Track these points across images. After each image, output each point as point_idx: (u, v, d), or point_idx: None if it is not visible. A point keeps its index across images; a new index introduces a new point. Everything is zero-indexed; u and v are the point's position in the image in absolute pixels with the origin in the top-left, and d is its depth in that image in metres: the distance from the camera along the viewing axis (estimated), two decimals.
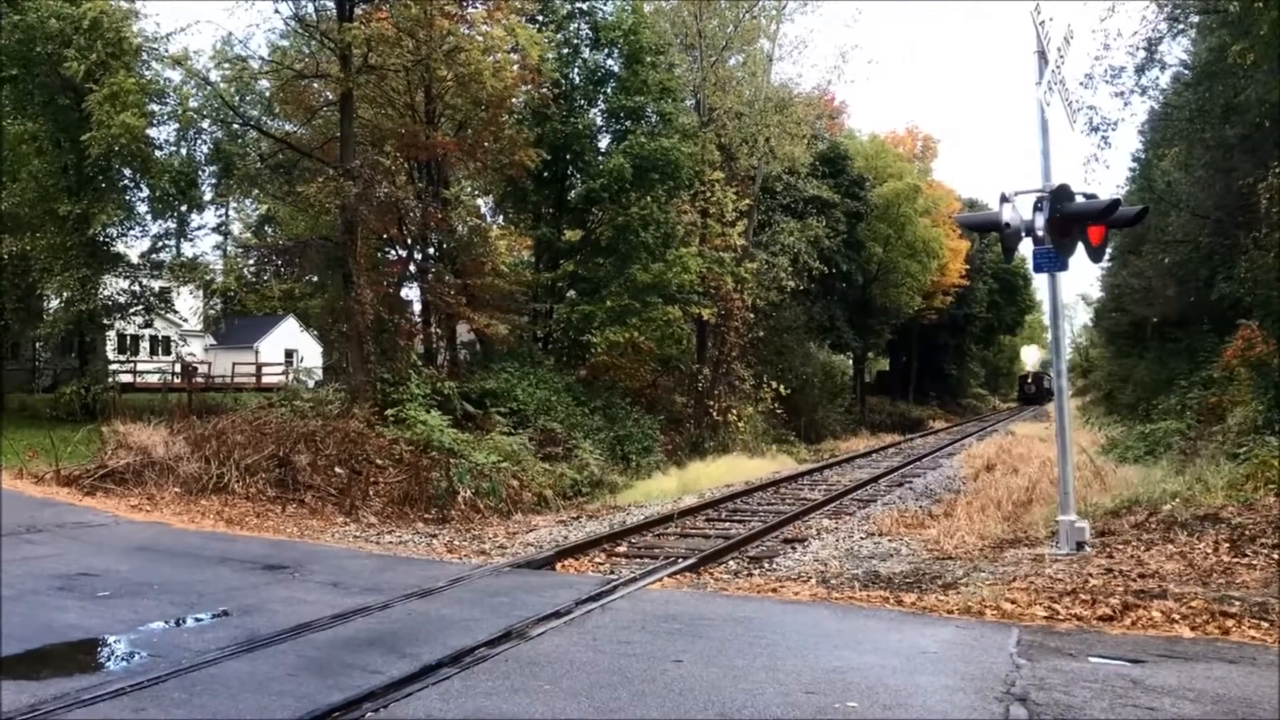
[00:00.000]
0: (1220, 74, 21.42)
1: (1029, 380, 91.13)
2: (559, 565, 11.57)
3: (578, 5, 29.24)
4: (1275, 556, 8.96)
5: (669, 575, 10.06)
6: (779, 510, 17.23)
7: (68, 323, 27.34)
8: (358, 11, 21.41)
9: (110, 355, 33.23)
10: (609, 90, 29.44)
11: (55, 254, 26.17)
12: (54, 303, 28.81)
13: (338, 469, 16.37)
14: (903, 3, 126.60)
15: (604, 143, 30.04)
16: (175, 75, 23.96)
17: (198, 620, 7.54)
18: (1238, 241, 22.85)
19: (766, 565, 11.85)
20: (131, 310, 29.79)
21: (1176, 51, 26.34)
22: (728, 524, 15.90)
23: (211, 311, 35.31)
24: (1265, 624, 6.96)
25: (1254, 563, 8.86)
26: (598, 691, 5.63)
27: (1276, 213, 18.01)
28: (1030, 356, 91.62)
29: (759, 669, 6.06)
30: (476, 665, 6.17)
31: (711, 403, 32.29)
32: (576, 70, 29.26)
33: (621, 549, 13.23)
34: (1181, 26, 23.76)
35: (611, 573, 10.88)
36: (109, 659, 6.62)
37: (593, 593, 8.42)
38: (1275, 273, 20.09)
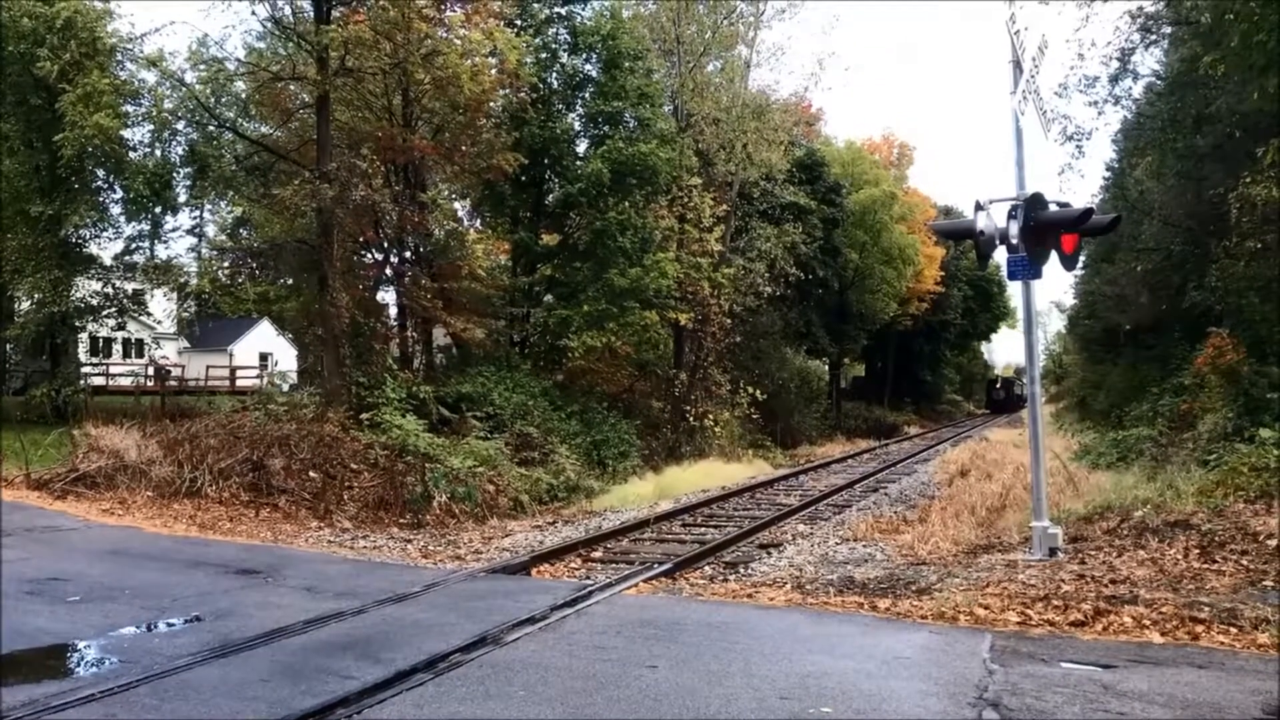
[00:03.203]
0: (1192, 84, 21.64)
1: (998, 385, 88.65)
2: (535, 570, 11.56)
3: (556, 10, 29.21)
4: (1244, 563, 9.06)
5: (645, 580, 10.07)
6: (755, 515, 17.27)
7: (39, 324, 27.10)
8: (335, 14, 21.32)
9: (82, 357, 32.99)
10: (587, 95, 29.45)
11: (27, 255, 25.96)
12: (25, 304, 28.56)
13: (312, 473, 16.27)
14: (880, 10, 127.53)
15: (582, 147, 30.04)
16: (150, 76, 23.80)
17: (170, 625, 7.49)
18: (1209, 250, 23.05)
19: (742, 570, 11.87)
20: (104, 312, 29.60)
21: (1149, 62, 26.64)
22: (704, 529, 15.93)
23: (185, 314, 35.04)
24: (1234, 629, 7.03)
25: (1223, 569, 8.96)
26: (572, 697, 5.63)
27: (1246, 222, 18.18)
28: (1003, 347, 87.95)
29: (734, 674, 6.08)
30: (451, 671, 6.16)
31: (688, 408, 32.32)
32: (555, 75, 29.24)
33: (597, 554, 13.23)
34: (1154, 37, 24.00)
35: (587, 578, 10.87)
36: (79, 664, 6.57)
37: (568, 598, 8.42)
38: (1245, 281, 20.29)
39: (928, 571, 10.00)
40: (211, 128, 23.66)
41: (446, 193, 30.02)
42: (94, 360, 36.29)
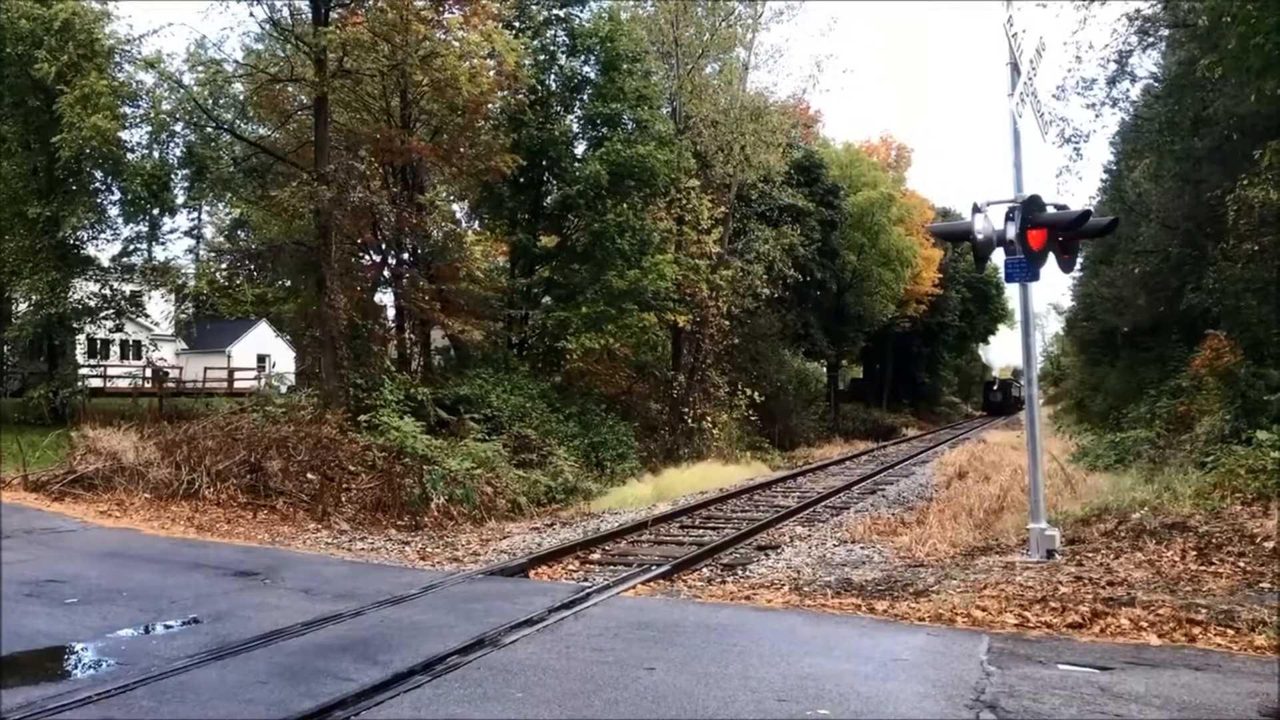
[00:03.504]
0: (1189, 87, 21.65)
1: (995, 387, 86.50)
2: (533, 572, 11.55)
3: (555, 12, 29.23)
4: (1241, 565, 9.07)
5: (643, 582, 10.07)
6: (753, 517, 17.27)
7: (36, 326, 27.04)
8: (333, 15, 21.33)
9: (80, 359, 32.95)
10: (586, 97, 29.48)
11: (24, 257, 25.91)
12: (23, 305, 28.53)
13: (310, 475, 16.28)
14: (878, 13, 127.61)
15: (580, 149, 30.06)
16: (148, 78, 23.79)
17: (167, 627, 7.48)
18: (1206, 252, 23.08)
19: (740, 572, 11.87)
20: (102, 314, 29.54)
21: (1147, 64, 26.65)
22: (702, 531, 15.93)
23: (183, 316, 35.01)
24: (1231, 631, 7.04)
25: (1220, 570, 8.97)
26: (570, 699, 5.63)
27: (1244, 224, 18.21)
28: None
29: (732, 676, 6.08)
30: (449, 673, 6.15)
31: (686, 409, 32.31)
32: (553, 76, 29.26)
33: (595, 556, 13.23)
34: (1151, 40, 24.00)
35: (585, 580, 10.88)
36: (77, 666, 6.57)
37: (566, 600, 8.42)
38: (1243, 283, 20.31)
39: (925, 573, 10.00)
40: (209, 129, 23.66)
41: (445, 194, 29.99)
42: (92, 362, 36.28)
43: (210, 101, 22.79)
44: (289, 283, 27.50)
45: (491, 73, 23.73)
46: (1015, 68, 10.60)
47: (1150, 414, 23.77)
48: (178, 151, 24.63)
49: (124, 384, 35.50)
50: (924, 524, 14.46)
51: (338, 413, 19.54)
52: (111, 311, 29.75)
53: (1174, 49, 23.73)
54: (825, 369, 55.70)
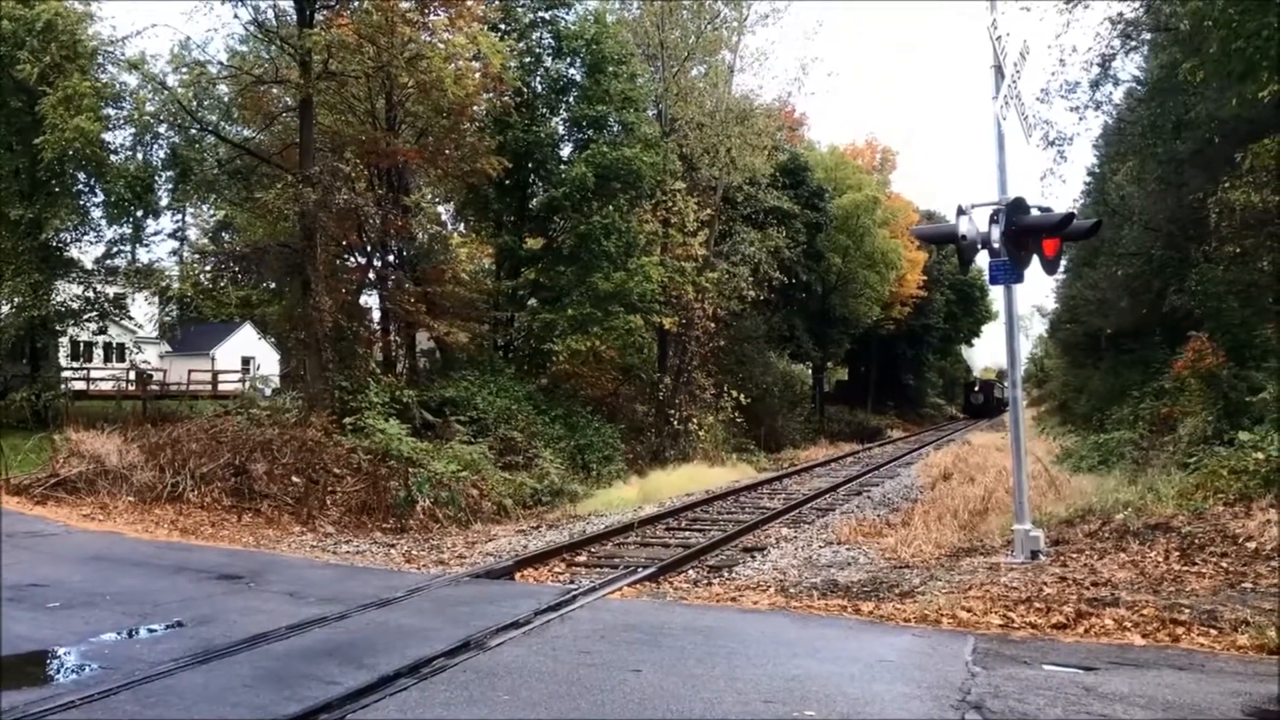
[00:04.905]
0: (1171, 90, 21.80)
1: (977, 389, 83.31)
2: (518, 575, 11.54)
3: (540, 14, 29.22)
4: (1224, 565, 9.13)
5: (629, 584, 10.07)
6: (739, 519, 17.29)
7: (19, 328, 26.86)
8: (318, 17, 21.27)
9: (63, 362, 32.76)
10: (571, 99, 29.47)
11: (6, 259, 25.75)
12: (5, 308, 28.35)
13: (295, 478, 16.20)
14: (862, 16, 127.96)
15: (566, 151, 30.05)
16: (132, 79, 23.64)
17: (151, 631, 7.44)
18: (1188, 255, 23.24)
19: (726, 574, 11.88)
20: (85, 316, 29.39)
21: (1130, 68, 26.85)
22: (688, 533, 15.93)
23: (167, 318, 34.84)
24: (1214, 631, 7.08)
25: (1203, 571, 9.02)
26: (556, 701, 5.62)
27: (1226, 227, 18.32)
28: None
29: (718, 678, 6.08)
30: (434, 676, 6.14)
31: (672, 411, 32.32)
32: (539, 79, 29.24)
33: (581, 558, 13.22)
34: (1134, 43, 24.14)
35: (571, 582, 10.87)
36: (59, 671, 6.52)
37: (552, 602, 8.40)
38: (1224, 285, 20.45)
39: (911, 574, 10.03)
40: (193, 131, 23.53)
41: (430, 196, 29.93)
42: (75, 365, 36.07)
43: (194, 103, 22.67)
44: (274, 285, 27.36)
45: (477, 75, 23.66)
46: (999, 71, 10.65)
47: (1133, 416, 23.92)
48: (161, 153, 24.52)
49: (107, 387, 35.31)
50: (909, 525, 14.50)
51: (323, 415, 19.45)
52: (95, 314, 29.59)
53: (1156, 53, 23.89)
54: (811, 371, 55.78)
